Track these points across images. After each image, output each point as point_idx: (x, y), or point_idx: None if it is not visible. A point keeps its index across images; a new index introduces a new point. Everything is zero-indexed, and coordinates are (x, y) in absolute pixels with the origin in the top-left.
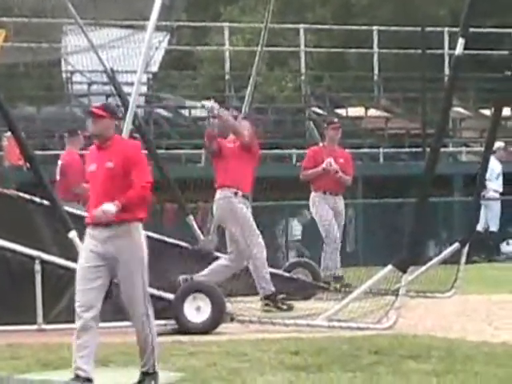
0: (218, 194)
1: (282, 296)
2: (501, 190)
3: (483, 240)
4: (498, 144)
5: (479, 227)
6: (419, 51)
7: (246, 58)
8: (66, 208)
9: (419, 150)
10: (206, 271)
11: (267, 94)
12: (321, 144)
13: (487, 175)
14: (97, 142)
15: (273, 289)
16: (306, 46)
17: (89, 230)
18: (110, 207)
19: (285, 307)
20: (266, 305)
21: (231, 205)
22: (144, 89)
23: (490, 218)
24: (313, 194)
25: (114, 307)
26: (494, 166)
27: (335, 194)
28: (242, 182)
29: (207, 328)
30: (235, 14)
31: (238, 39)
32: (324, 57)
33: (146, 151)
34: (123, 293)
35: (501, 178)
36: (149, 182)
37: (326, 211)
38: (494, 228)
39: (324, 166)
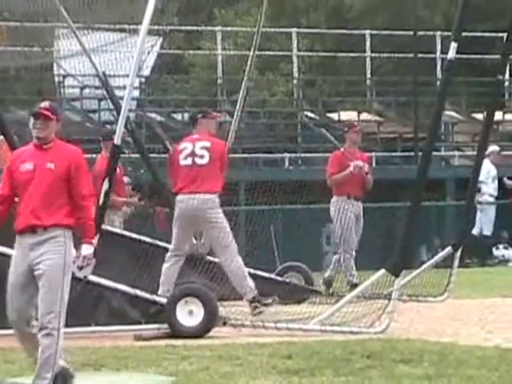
0: (213, 198)
1: (273, 298)
2: (496, 193)
3: (476, 244)
4: (493, 148)
5: (474, 231)
6: (411, 55)
7: (238, 62)
8: None
9: (411, 154)
10: (161, 282)
11: (259, 98)
12: (342, 148)
13: (483, 178)
14: (38, 143)
15: (255, 290)
16: (298, 50)
17: (17, 237)
18: (88, 250)
19: (269, 301)
20: (255, 308)
21: (219, 210)
22: (136, 93)
23: (484, 221)
24: (335, 199)
25: (105, 312)
26: (490, 169)
27: (358, 199)
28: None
29: (200, 332)
30: (229, 18)
31: (230, 44)
32: (316, 61)
33: (138, 155)
34: (41, 300)
35: (496, 182)
36: (93, 193)
37: (348, 218)
38: (487, 232)
39: (351, 169)
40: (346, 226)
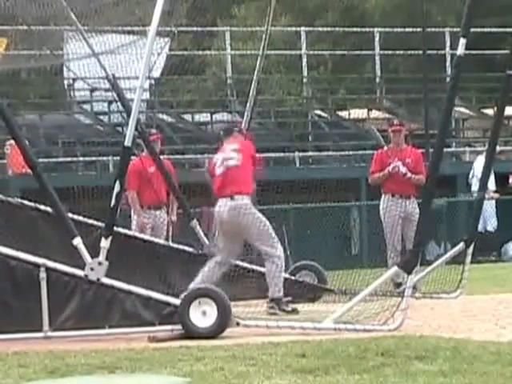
0: (243, 200)
1: (287, 299)
2: (494, 188)
3: (487, 240)
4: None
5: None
6: (421, 52)
7: (252, 62)
8: (70, 215)
9: (422, 150)
10: (199, 278)
11: (270, 98)
12: (385, 147)
13: (479, 175)
14: None
15: (281, 294)
16: (307, 49)
17: None
18: None
19: (289, 309)
20: (271, 307)
21: (256, 212)
22: (146, 94)
23: (486, 217)
24: (382, 197)
25: (119, 314)
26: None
27: (406, 197)
28: None
29: (213, 332)
30: (249, 16)
31: (246, 44)
32: (327, 59)
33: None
34: None
35: (493, 176)
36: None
37: (391, 218)
38: (490, 227)
39: (390, 169)
40: (387, 226)
